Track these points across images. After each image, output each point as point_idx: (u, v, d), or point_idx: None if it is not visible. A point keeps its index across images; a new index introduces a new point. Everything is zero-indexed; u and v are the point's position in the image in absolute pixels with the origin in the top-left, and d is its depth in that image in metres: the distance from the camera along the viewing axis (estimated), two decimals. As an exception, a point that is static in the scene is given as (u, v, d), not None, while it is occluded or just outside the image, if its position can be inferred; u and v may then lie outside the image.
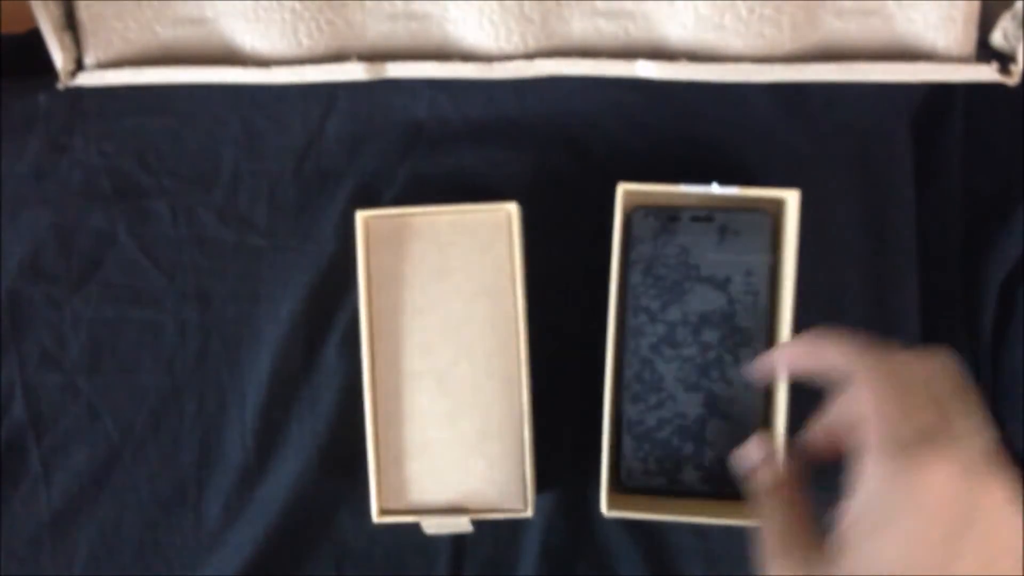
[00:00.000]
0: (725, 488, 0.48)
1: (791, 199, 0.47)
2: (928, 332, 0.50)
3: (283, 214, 0.53)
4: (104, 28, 0.53)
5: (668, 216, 0.48)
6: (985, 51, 0.50)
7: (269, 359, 0.53)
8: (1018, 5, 0.48)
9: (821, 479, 0.38)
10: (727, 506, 0.48)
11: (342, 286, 0.52)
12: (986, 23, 0.50)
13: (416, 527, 0.48)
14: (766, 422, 0.48)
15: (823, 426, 0.38)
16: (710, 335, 0.48)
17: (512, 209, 0.48)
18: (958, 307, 0.51)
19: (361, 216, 0.49)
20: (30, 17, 0.52)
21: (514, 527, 0.52)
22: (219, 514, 0.53)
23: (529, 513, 0.48)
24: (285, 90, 0.53)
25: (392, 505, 0.48)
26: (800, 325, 0.46)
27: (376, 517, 0.48)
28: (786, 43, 0.50)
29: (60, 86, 0.53)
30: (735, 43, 0.50)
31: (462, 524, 0.48)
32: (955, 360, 0.33)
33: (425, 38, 0.53)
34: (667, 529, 0.52)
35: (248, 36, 0.52)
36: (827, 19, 0.50)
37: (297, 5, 0.51)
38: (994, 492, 0.29)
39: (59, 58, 0.52)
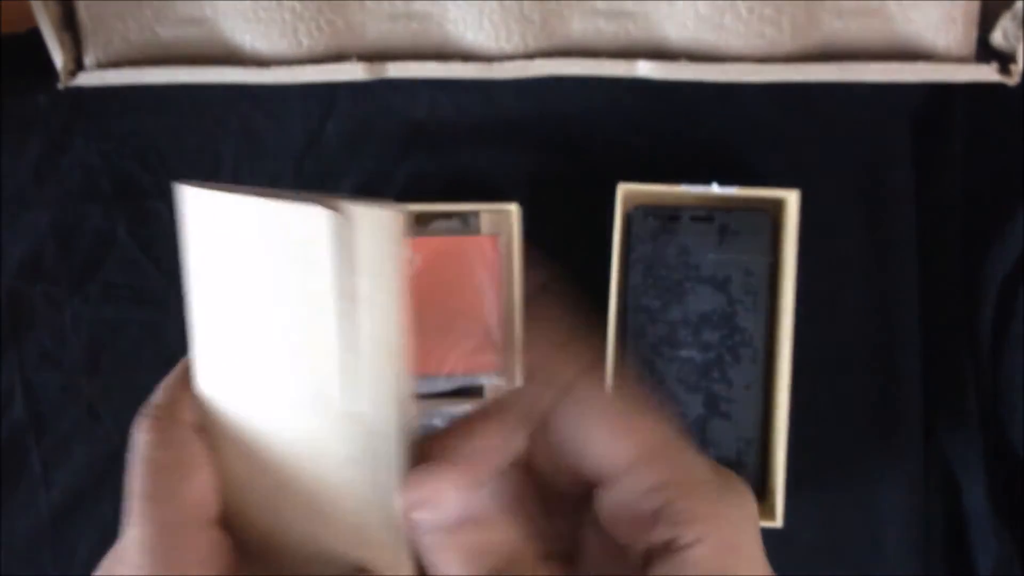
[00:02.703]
0: (725, 488, 0.48)
1: (791, 199, 0.47)
2: (928, 332, 0.50)
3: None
4: (104, 28, 0.53)
5: (668, 216, 0.48)
6: (985, 51, 0.50)
7: (269, 359, 0.53)
8: (1018, 5, 0.48)
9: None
10: (727, 506, 0.48)
11: (342, 286, 0.52)
12: (986, 23, 0.50)
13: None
14: (766, 422, 0.48)
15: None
16: (710, 335, 0.48)
17: (512, 209, 0.48)
18: (958, 307, 0.51)
19: None
20: (30, 17, 0.52)
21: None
22: (219, 514, 0.53)
23: None
24: (285, 90, 0.53)
25: None
26: (800, 325, 0.46)
27: None
28: (786, 43, 0.50)
29: (60, 86, 0.53)
30: (735, 43, 0.50)
31: None
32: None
33: (425, 38, 0.53)
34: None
35: (248, 36, 0.52)
36: (827, 19, 0.50)
37: (297, 5, 0.51)
38: None
39: (59, 58, 0.52)
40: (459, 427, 0.26)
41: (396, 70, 0.52)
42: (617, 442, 0.25)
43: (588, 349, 0.26)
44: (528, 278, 0.25)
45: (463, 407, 0.50)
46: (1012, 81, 0.49)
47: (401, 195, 0.52)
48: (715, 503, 0.25)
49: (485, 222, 0.51)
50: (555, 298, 0.25)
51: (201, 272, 0.26)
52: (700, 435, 0.48)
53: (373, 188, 0.53)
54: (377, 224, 0.24)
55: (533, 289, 0.26)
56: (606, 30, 0.51)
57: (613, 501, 0.26)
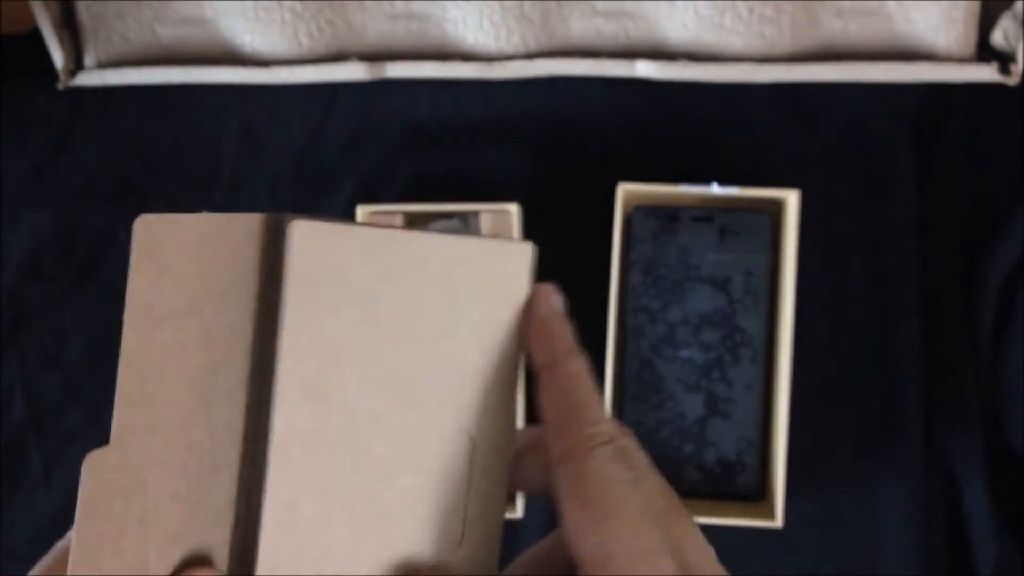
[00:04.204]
0: (725, 488, 0.48)
1: (791, 199, 0.47)
2: (928, 332, 0.50)
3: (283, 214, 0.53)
4: (104, 28, 0.53)
5: (668, 216, 0.48)
6: (985, 51, 0.50)
7: (269, 359, 0.52)
8: (1018, 5, 0.48)
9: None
10: (727, 506, 0.48)
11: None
12: (986, 23, 0.50)
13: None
14: (766, 422, 0.48)
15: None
16: (710, 335, 0.48)
17: (512, 209, 0.48)
18: (958, 307, 0.51)
19: (362, 211, 0.49)
20: (30, 17, 0.52)
21: (509, 528, 0.52)
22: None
23: (519, 514, 0.48)
24: (285, 90, 0.53)
25: None
26: (800, 325, 0.46)
27: None
28: (786, 43, 0.50)
29: (60, 86, 0.53)
30: (735, 43, 0.50)
31: None
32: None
33: (425, 38, 0.53)
34: (667, 529, 0.52)
35: (248, 36, 0.52)
36: (827, 19, 0.50)
37: (297, 5, 0.51)
38: None
39: (59, 58, 0.52)
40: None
41: (396, 70, 0.52)
42: (583, 539, 0.22)
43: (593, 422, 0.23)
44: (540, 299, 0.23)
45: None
46: (1012, 81, 0.49)
47: (401, 195, 0.52)
48: None
49: (485, 222, 0.51)
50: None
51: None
52: (700, 435, 0.48)
53: (373, 188, 0.53)
54: (517, 215, 0.21)
55: (548, 312, 0.23)
56: (606, 30, 0.51)
57: None
